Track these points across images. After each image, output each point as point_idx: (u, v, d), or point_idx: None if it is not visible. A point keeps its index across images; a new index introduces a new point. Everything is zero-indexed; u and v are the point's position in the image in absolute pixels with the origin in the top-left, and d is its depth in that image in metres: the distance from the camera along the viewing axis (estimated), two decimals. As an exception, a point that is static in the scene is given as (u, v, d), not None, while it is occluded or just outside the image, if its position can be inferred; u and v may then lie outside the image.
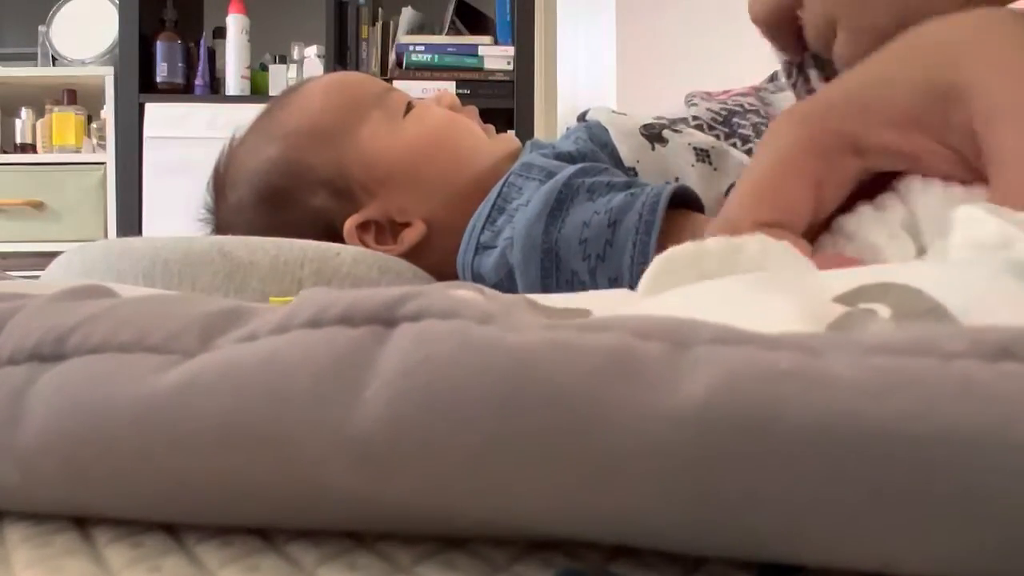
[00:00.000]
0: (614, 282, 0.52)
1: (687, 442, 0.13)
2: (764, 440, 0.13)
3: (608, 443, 0.13)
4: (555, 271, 0.57)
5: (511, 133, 0.81)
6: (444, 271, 0.69)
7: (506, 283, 0.60)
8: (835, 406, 0.12)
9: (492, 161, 0.73)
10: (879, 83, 0.29)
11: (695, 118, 0.68)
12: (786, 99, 0.71)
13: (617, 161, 0.65)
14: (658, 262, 0.24)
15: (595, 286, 0.54)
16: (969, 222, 0.22)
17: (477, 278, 0.64)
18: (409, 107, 0.76)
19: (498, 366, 0.14)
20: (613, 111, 0.70)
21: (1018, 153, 0.25)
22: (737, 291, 0.21)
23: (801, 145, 0.29)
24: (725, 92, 0.74)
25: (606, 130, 0.66)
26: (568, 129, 0.71)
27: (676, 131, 0.65)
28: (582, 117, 0.72)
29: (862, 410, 0.12)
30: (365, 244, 0.72)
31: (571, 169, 0.59)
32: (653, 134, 0.66)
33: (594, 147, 0.66)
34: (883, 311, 0.18)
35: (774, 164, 0.29)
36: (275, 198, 0.75)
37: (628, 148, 0.65)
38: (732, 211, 0.29)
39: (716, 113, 0.69)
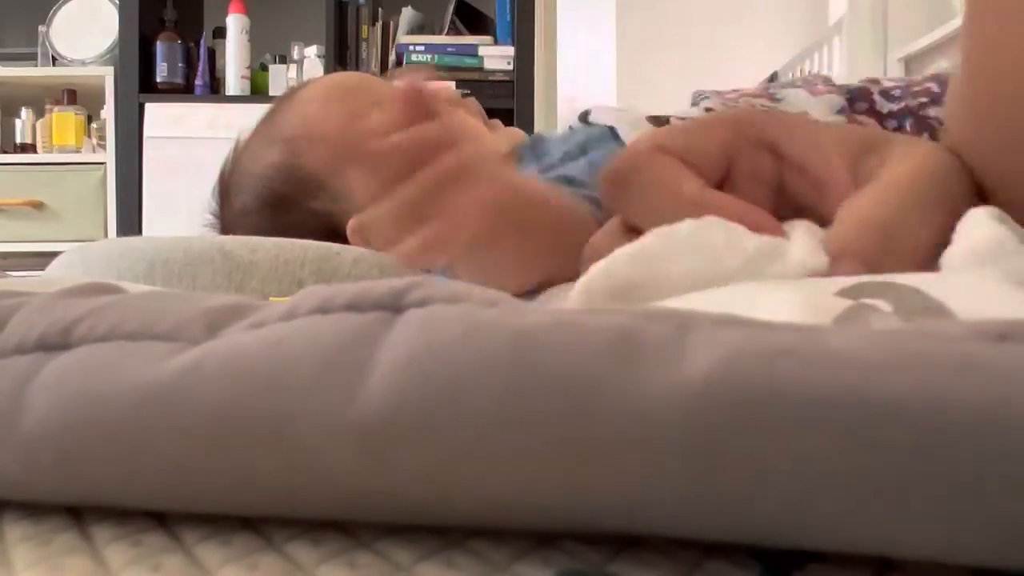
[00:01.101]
0: None
1: (690, 420, 0.13)
2: (766, 416, 0.13)
3: (611, 422, 0.13)
4: None
5: (515, 129, 0.81)
6: (445, 271, 0.69)
7: None
8: (837, 381, 0.12)
9: (491, 156, 0.73)
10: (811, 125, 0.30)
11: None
12: (796, 95, 0.71)
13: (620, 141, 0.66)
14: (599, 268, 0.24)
15: None
16: (970, 227, 0.22)
17: None
18: None
19: (501, 348, 0.14)
20: (612, 108, 0.70)
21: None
22: (743, 290, 0.21)
23: (723, 131, 0.29)
24: (735, 91, 0.74)
25: (608, 131, 0.67)
26: (570, 128, 0.71)
27: None
28: (584, 117, 0.72)
29: (864, 385, 0.12)
30: (368, 244, 0.72)
31: (550, 177, 0.59)
32: (661, 122, 0.66)
33: (591, 172, 0.66)
34: (885, 307, 0.18)
35: (689, 123, 0.30)
36: (278, 203, 0.75)
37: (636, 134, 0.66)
38: (636, 144, 0.30)
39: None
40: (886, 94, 0.68)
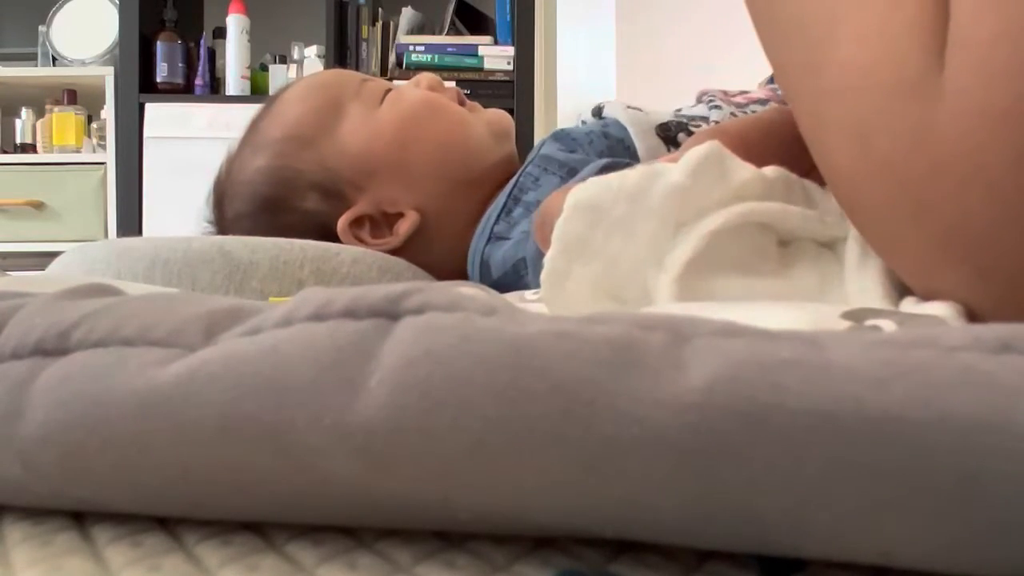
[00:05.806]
0: None
1: (689, 429, 0.13)
2: (765, 426, 0.13)
3: (610, 430, 0.13)
4: None
5: (498, 110, 0.79)
6: (445, 269, 0.69)
7: (511, 276, 0.60)
8: (836, 393, 0.12)
9: (475, 139, 0.72)
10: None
11: (716, 123, 0.68)
12: None
13: (634, 157, 0.66)
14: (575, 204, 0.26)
15: None
16: None
17: (484, 267, 0.64)
18: (387, 94, 0.75)
19: (500, 355, 0.14)
20: (628, 107, 0.69)
21: None
22: (747, 307, 0.21)
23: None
24: (742, 94, 0.74)
25: (624, 128, 0.67)
26: (583, 123, 0.71)
27: (691, 134, 0.66)
28: (598, 112, 0.71)
29: (863, 396, 0.12)
30: (360, 240, 0.72)
31: (596, 165, 0.59)
32: (668, 136, 0.66)
33: (612, 144, 0.66)
34: (888, 326, 0.18)
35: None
36: (269, 207, 0.75)
37: (646, 147, 0.65)
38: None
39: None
40: None
